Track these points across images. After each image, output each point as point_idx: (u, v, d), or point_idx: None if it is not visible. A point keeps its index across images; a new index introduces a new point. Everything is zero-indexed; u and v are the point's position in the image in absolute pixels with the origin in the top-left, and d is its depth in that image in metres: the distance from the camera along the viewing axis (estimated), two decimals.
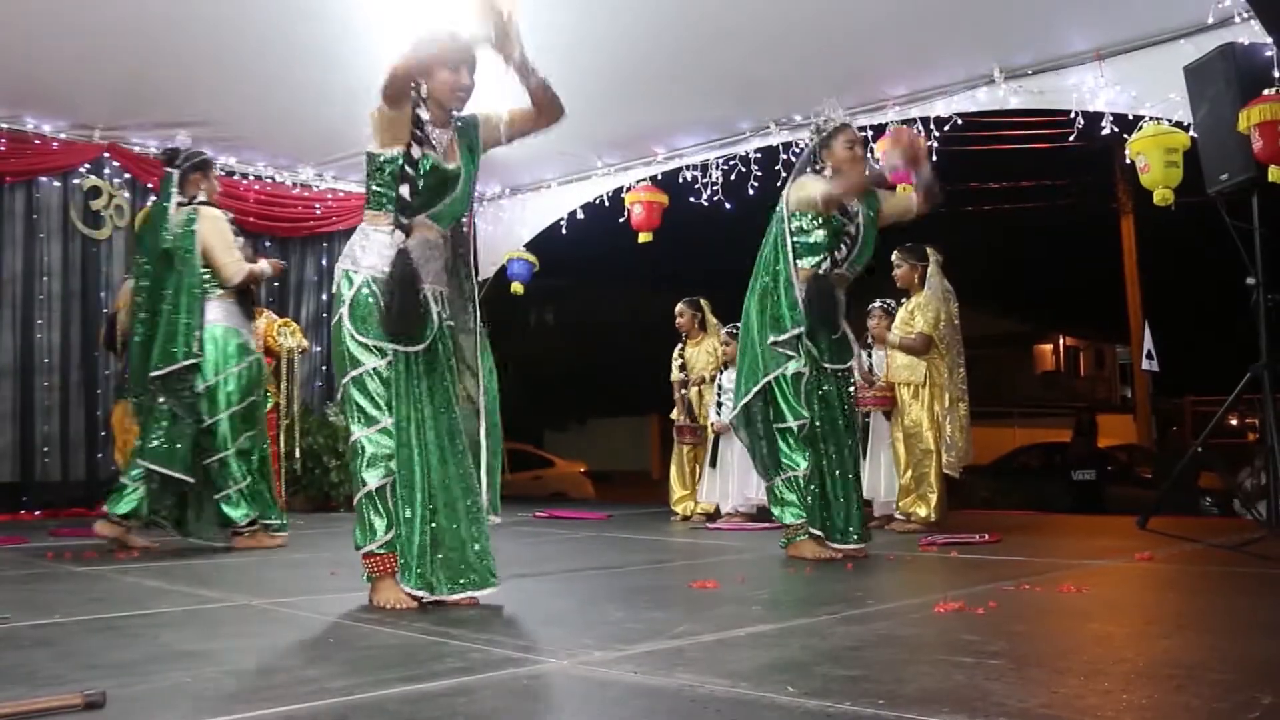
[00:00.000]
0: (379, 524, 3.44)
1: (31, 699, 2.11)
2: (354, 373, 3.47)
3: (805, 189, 4.93)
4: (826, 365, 5.00)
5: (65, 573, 4.53)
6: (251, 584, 4.21)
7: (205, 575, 4.40)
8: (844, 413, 5.03)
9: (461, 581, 3.41)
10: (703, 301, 7.91)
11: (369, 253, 3.53)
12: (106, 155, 8.48)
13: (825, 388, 5.00)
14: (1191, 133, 6.06)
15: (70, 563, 4.85)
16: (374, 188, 3.56)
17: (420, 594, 3.39)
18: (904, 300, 6.65)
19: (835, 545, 4.88)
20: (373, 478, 3.44)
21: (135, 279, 5.60)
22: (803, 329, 4.88)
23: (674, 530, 6.97)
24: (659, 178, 9.24)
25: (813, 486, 4.92)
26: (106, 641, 2.89)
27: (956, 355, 6.50)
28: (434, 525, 3.42)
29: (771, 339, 4.90)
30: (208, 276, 5.52)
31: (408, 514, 3.42)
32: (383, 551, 3.44)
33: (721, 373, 7.53)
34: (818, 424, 4.96)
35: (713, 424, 7.48)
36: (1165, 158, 6.21)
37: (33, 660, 2.62)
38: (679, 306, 7.90)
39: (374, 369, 3.47)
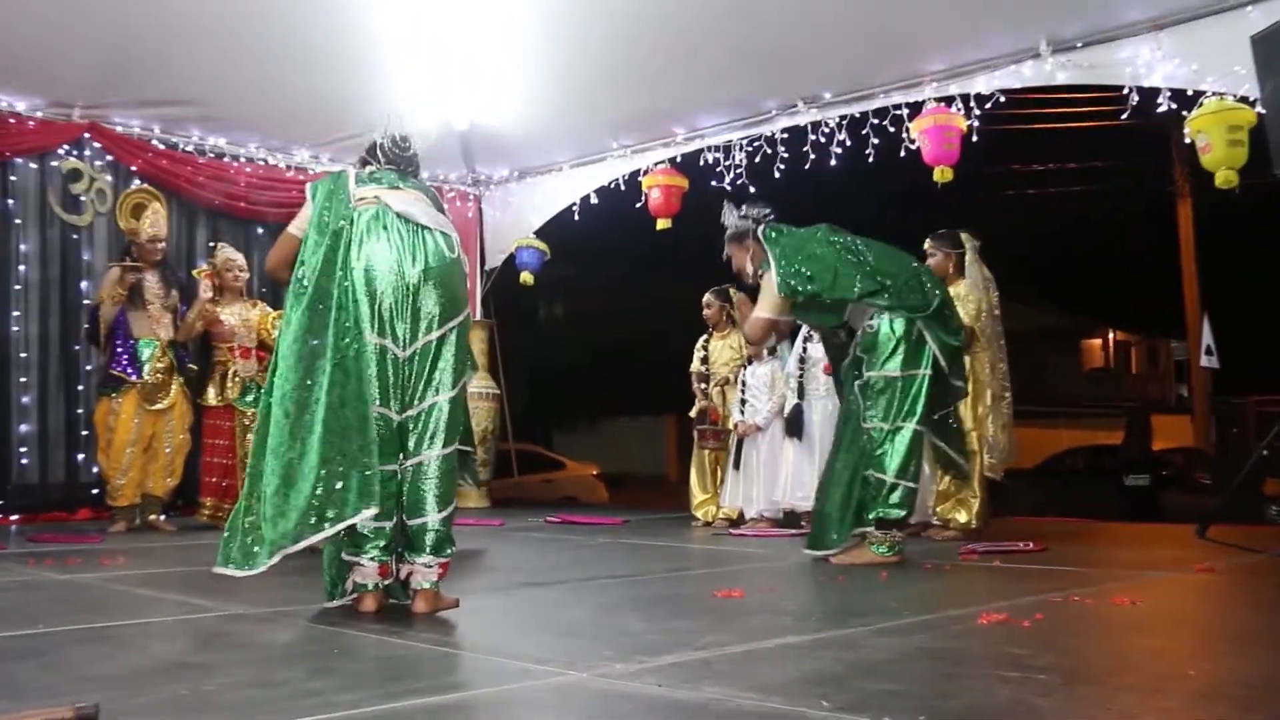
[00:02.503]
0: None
1: (19, 712, 2.13)
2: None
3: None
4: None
5: (48, 580, 4.57)
6: (246, 592, 4.24)
7: (197, 583, 4.43)
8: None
9: None
10: (732, 292, 7.92)
11: None
12: (87, 136, 8.49)
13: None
14: (1258, 109, 6.02)
15: (52, 570, 4.89)
16: None
17: None
18: None
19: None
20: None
21: None
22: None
23: (695, 536, 6.99)
24: (678, 160, 9.25)
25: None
26: (96, 652, 2.93)
27: (998, 349, 6.49)
28: None
29: None
30: None
31: None
32: None
33: (744, 369, 7.54)
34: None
35: (735, 425, 7.50)
36: (1228, 136, 6.17)
37: (18, 673, 2.65)
38: (707, 297, 7.91)
39: None
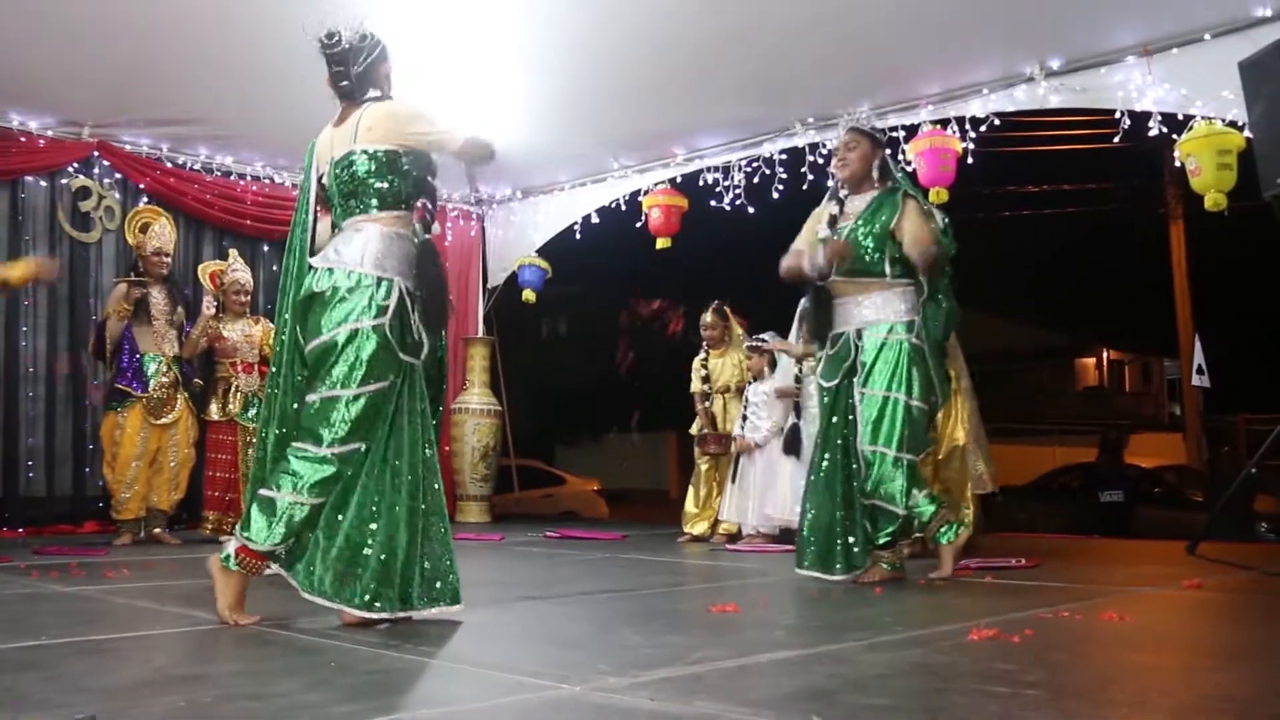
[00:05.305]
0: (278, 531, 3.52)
1: None
2: (379, 385, 3.53)
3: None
4: (820, 382, 5.10)
5: (51, 592, 4.57)
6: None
7: (198, 596, 4.41)
8: (833, 431, 4.97)
9: (434, 596, 3.58)
10: (728, 309, 7.94)
11: (394, 257, 3.66)
12: (96, 154, 8.50)
13: (823, 401, 5.08)
14: (1246, 133, 6.04)
15: (56, 582, 4.88)
16: (404, 187, 3.82)
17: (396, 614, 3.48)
18: None
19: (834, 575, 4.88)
20: (315, 496, 3.50)
21: None
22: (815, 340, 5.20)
23: (691, 552, 6.97)
24: (678, 180, 9.25)
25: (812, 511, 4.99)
26: (96, 664, 2.92)
27: (963, 363, 6.44)
28: (407, 543, 3.51)
29: None
30: None
31: (379, 533, 3.48)
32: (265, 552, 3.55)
33: (749, 386, 7.54)
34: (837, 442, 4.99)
35: (737, 439, 7.49)
36: (1218, 160, 6.19)
37: (19, 684, 2.64)
38: (707, 316, 7.90)
39: (387, 387, 3.56)
